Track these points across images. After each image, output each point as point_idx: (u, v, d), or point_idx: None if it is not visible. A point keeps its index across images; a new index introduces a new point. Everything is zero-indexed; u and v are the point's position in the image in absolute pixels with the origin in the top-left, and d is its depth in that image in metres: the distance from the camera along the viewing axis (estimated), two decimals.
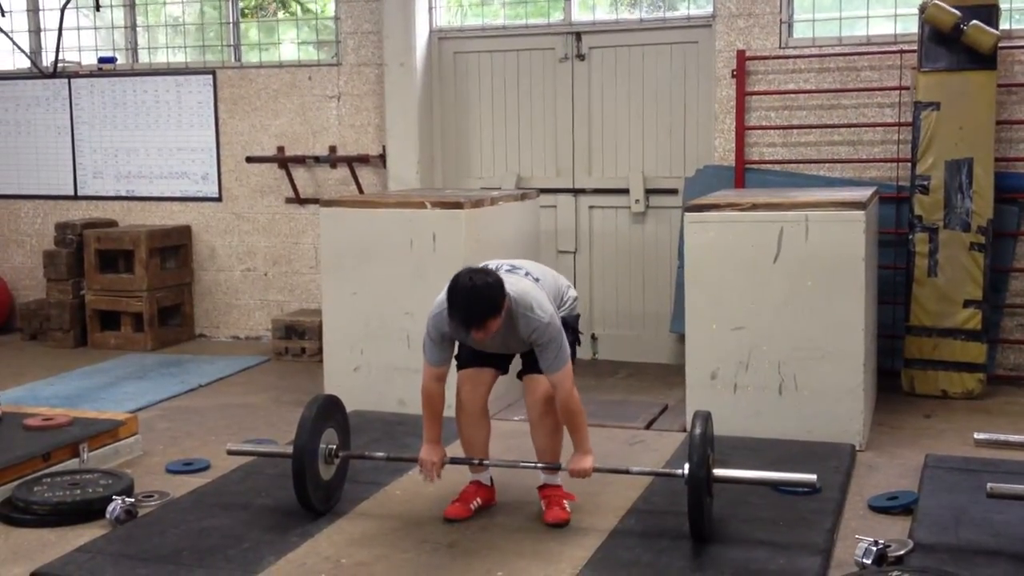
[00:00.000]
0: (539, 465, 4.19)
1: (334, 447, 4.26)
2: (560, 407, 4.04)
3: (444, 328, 4.00)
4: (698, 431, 3.80)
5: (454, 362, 4.22)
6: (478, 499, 4.25)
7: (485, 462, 4.23)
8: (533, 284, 4.07)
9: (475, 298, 3.78)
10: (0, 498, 4.37)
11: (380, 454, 4.42)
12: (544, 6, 7.16)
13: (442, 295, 3.94)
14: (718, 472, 3.89)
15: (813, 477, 3.92)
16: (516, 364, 4.32)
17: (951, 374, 5.91)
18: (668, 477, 4.18)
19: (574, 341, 4.25)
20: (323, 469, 4.21)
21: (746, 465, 4.67)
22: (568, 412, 4.04)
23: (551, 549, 3.90)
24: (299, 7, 8.18)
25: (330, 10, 7.73)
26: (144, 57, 8.20)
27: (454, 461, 4.22)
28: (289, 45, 7.86)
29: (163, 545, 3.93)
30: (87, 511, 4.23)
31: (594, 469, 4.08)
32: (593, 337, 7.12)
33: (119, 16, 8.20)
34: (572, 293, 4.36)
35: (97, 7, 8.03)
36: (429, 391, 4.13)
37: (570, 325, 4.22)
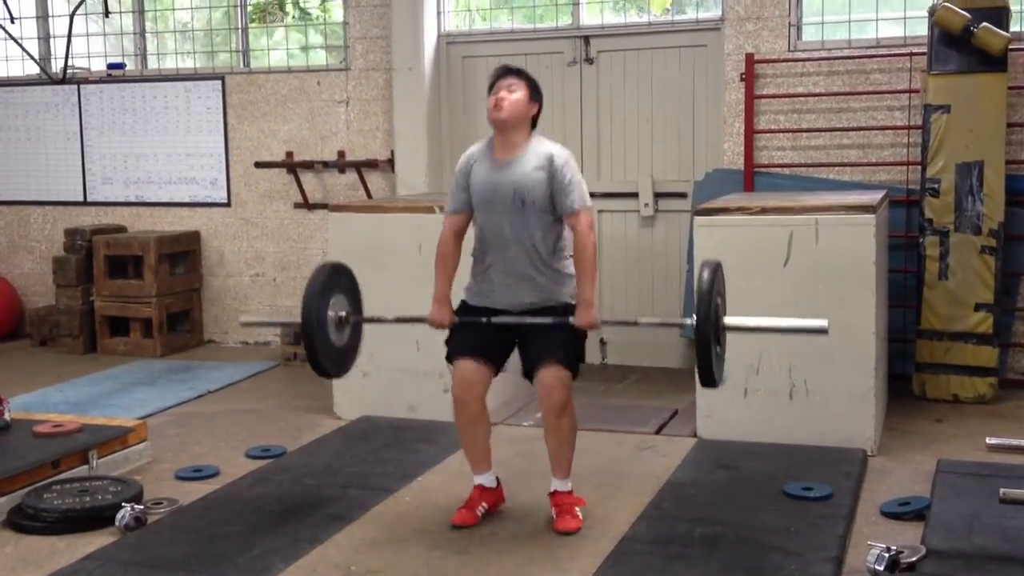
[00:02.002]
0: (547, 321, 4.09)
1: (344, 313, 4.19)
2: (577, 246, 4.05)
3: (471, 162, 4.14)
4: (706, 276, 3.70)
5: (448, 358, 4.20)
6: (484, 504, 4.23)
7: (494, 320, 4.12)
8: None
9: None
10: (10, 505, 4.37)
11: (390, 317, 4.38)
12: (552, 10, 7.15)
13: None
14: (728, 320, 3.81)
15: (824, 323, 3.80)
16: (505, 385, 4.29)
17: (963, 378, 5.88)
18: (677, 327, 4.03)
19: (582, 345, 4.21)
20: (334, 335, 4.14)
21: (758, 472, 4.69)
22: (583, 251, 4.04)
23: (561, 556, 3.89)
24: (298, 10, 8.16)
25: (338, 15, 7.73)
26: (153, 63, 8.22)
27: (463, 320, 4.16)
28: (297, 50, 7.86)
29: (172, 552, 3.93)
30: (96, 518, 4.22)
31: (602, 322, 4.07)
32: (602, 342, 7.11)
33: (128, 22, 8.22)
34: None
35: (106, 13, 8.04)
36: (445, 246, 4.20)
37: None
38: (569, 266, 4.19)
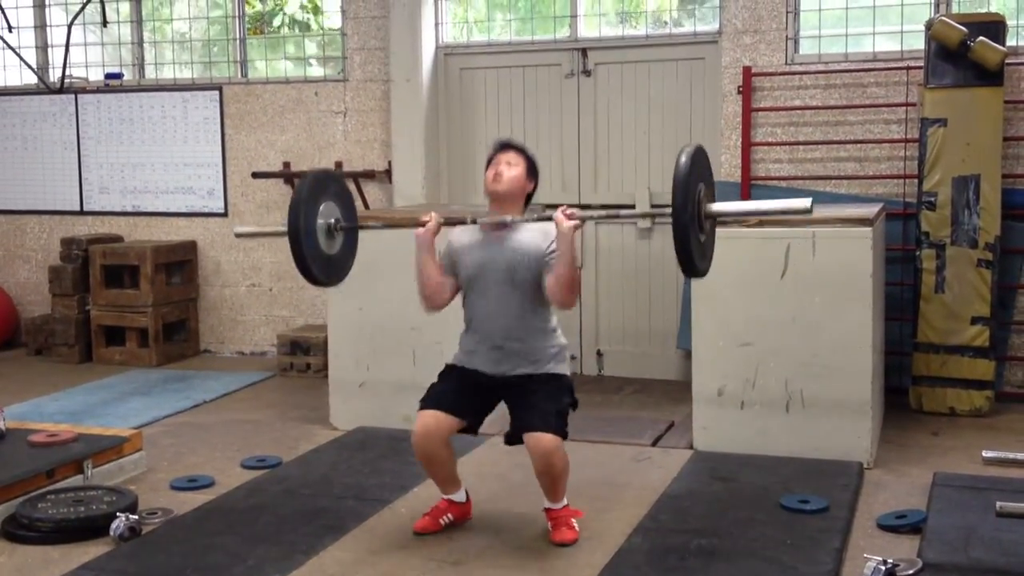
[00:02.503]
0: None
1: (334, 220, 4.13)
2: (555, 283, 3.96)
3: (455, 242, 4.17)
4: (683, 161, 3.54)
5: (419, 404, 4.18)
6: (449, 515, 4.23)
7: (478, 220, 4.12)
8: None
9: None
10: (4, 515, 4.35)
11: (378, 224, 4.33)
12: (550, 22, 7.16)
13: None
14: (712, 207, 3.69)
15: (807, 202, 3.71)
16: (499, 421, 4.27)
17: (959, 391, 5.88)
18: (661, 216, 3.91)
19: (571, 404, 4.16)
20: (325, 243, 4.10)
21: (754, 484, 4.69)
22: (564, 287, 3.96)
23: (557, 568, 3.88)
24: (291, 21, 8.19)
25: (336, 25, 7.74)
26: (151, 73, 8.22)
27: (449, 222, 4.16)
28: (295, 61, 7.87)
29: (167, 563, 3.92)
30: (91, 528, 4.20)
31: (583, 218, 3.97)
32: (599, 353, 7.11)
33: (126, 32, 8.23)
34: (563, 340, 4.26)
35: (104, 23, 8.05)
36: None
37: (567, 385, 4.16)
38: (556, 340, 4.18)
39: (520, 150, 4.19)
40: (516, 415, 4.10)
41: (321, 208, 4.09)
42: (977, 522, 4.07)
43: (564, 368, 4.18)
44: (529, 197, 4.20)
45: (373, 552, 4.04)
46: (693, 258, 3.59)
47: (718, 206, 3.75)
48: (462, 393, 4.14)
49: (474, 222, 4.13)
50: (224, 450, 5.48)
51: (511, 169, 4.10)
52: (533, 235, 4.05)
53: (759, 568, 3.79)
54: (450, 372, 4.25)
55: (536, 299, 4.07)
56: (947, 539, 3.94)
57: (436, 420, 4.08)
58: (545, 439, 3.95)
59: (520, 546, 4.08)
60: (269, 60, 7.90)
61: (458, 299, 4.24)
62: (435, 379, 4.26)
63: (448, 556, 3.98)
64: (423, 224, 4.15)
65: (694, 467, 4.99)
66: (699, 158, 3.63)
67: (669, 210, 3.55)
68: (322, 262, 4.10)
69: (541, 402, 4.02)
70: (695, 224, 3.59)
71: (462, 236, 4.20)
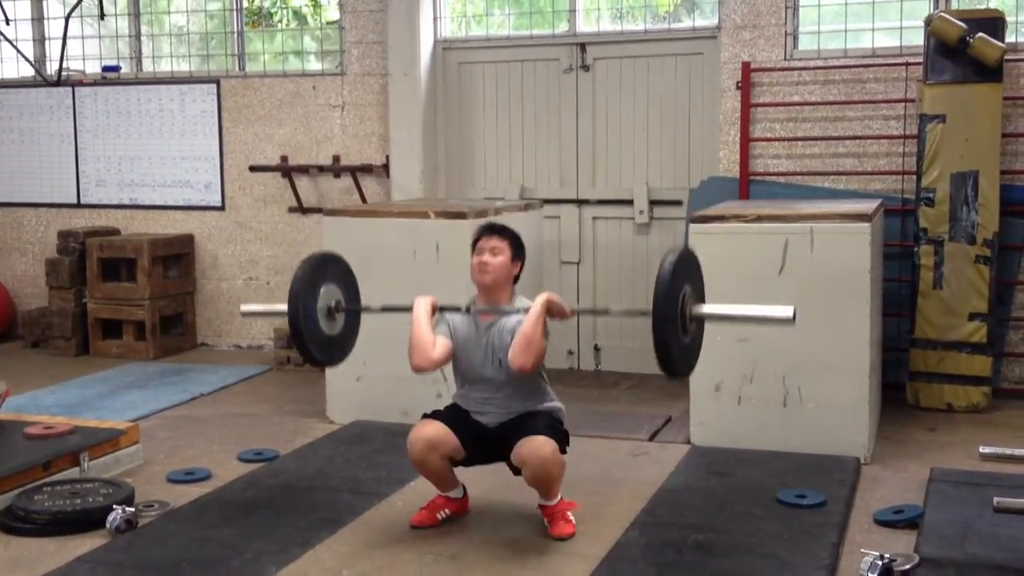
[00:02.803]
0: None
1: (335, 302, 4.20)
2: (515, 340, 3.97)
3: (449, 316, 4.14)
4: (665, 267, 3.60)
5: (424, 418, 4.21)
6: (446, 510, 4.24)
7: (473, 308, 4.13)
8: None
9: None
10: (0, 507, 4.35)
11: (376, 307, 4.36)
12: (549, 17, 7.15)
13: None
14: (696, 309, 3.74)
15: (789, 311, 3.76)
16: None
17: (956, 387, 5.88)
18: (644, 315, 3.84)
19: (565, 435, 4.17)
20: (325, 324, 4.16)
21: (751, 479, 4.69)
22: (520, 343, 3.95)
23: (554, 562, 3.88)
24: (291, 14, 8.18)
25: (334, 19, 7.72)
26: (148, 66, 8.21)
27: (442, 308, 4.16)
28: (293, 54, 7.86)
29: (163, 555, 3.91)
30: (87, 520, 4.20)
31: (568, 309, 4.05)
32: (596, 348, 7.11)
33: (123, 25, 8.21)
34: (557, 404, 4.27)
35: (101, 16, 8.04)
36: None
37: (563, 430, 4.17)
38: (548, 397, 4.21)
39: (503, 232, 4.18)
40: (512, 439, 4.05)
41: (322, 290, 4.19)
42: (974, 517, 4.07)
43: (556, 416, 4.20)
44: (517, 278, 4.22)
45: (369, 545, 4.03)
46: (671, 357, 3.65)
47: (703, 308, 3.82)
48: (465, 427, 4.14)
49: (468, 311, 4.16)
50: (221, 443, 5.48)
51: (496, 257, 4.11)
52: (521, 320, 4.04)
53: (756, 563, 3.79)
54: (454, 407, 4.26)
55: (525, 379, 4.08)
56: (944, 534, 3.94)
57: (437, 430, 4.09)
58: (544, 446, 3.94)
59: (517, 539, 4.08)
60: (267, 54, 7.89)
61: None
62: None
63: (445, 549, 3.98)
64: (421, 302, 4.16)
65: (691, 462, 4.99)
66: (682, 261, 3.71)
67: (651, 308, 3.63)
68: (322, 343, 4.18)
69: (538, 424, 4.06)
70: (681, 325, 3.65)
71: (455, 316, 4.19)
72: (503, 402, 4.14)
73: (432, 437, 4.07)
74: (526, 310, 4.02)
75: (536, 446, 3.95)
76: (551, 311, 4.01)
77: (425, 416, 4.19)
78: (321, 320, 4.17)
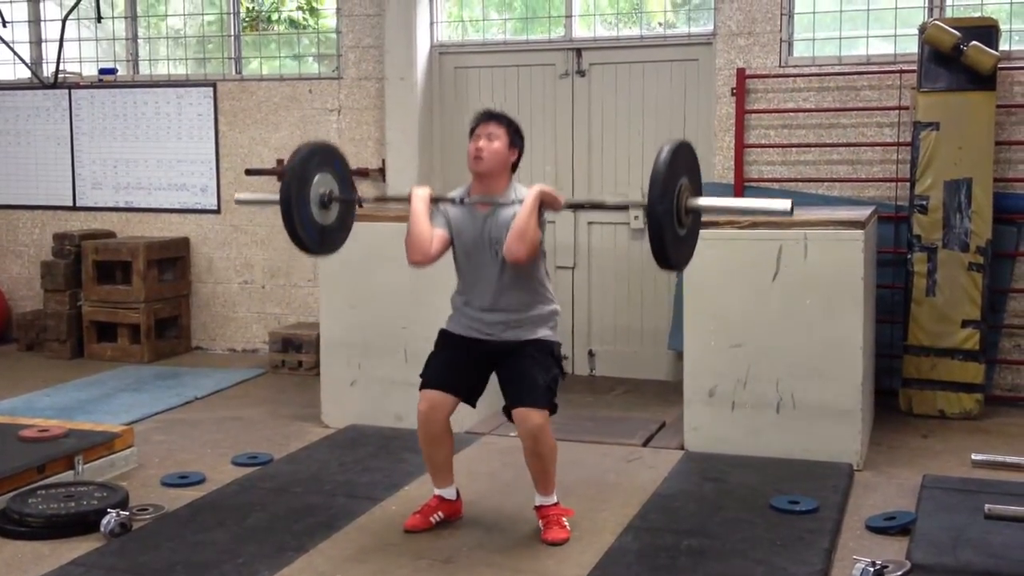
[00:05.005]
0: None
1: (328, 191, 4.13)
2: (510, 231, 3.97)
3: (446, 209, 4.11)
4: (662, 157, 3.55)
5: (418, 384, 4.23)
6: (439, 513, 4.25)
7: (467, 200, 4.11)
8: None
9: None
10: None
11: (368, 197, 4.33)
12: (545, 22, 7.17)
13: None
14: (692, 201, 3.68)
15: (787, 204, 3.70)
16: (493, 398, 4.30)
17: (949, 394, 5.90)
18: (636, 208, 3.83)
19: (559, 374, 4.19)
20: (318, 213, 4.09)
21: (744, 485, 4.70)
22: (515, 233, 3.95)
23: (548, 567, 3.89)
24: (286, 21, 8.19)
25: (331, 24, 7.74)
26: (145, 69, 8.21)
27: (436, 199, 4.12)
28: (290, 58, 7.87)
29: (157, 559, 3.92)
30: (81, 524, 4.20)
31: (561, 200, 4.02)
32: (591, 353, 7.12)
33: (120, 28, 8.22)
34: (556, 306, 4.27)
35: (98, 18, 8.04)
36: None
37: (555, 355, 4.18)
38: (548, 307, 4.18)
39: (500, 119, 4.16)
40: (507, 390, 4.12)
41: (317, 178, 4.09)
42: (966, 524, 4.08)
43: (554, 334, 4.17)
44: (515, 166, 4.18)
45: (364, 550, 4.04)
46: (667, 248, 3.60)
47: (700, 201, 3.75)
48: (457, 370, 4.15)
49: (462, 202, 4.13)
50: (215, 447, 5.48)
51: (492, 143, 4.08)
52: (514, 209, 4.02)
53: (748, 568, 3.80)
54: (444, 343, 4.24)
55: (524, 270, 4.05)
56: (936, 541, 3.95)
57: (442, 397, 4.12)
58: (533, 417, 4.00)
59: (511, 545, 4.09)
60: (263, 57, 7.89)
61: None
62: (432, 348, 4.28)
63: (438, 554, 3.99)
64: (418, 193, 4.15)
65: (685, 467, 5.00)
66: (680, 152, 3.64)
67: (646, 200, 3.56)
68: (314, 230, 4.09)
69: (530, 375, 4.04)
70: (672, 217, 3.59)
71: (451, 208, 4.18)
72: (500, 299, 4.07)
73: (435, 406, 4.12)
74: (521, 201, 4.00)
75: (527, 419, 4.00)
76: (545, 202, 3.99)
77: (423, 380, 4.18)
78: (314, 208, 4.07)
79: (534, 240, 3.94)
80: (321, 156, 4.17)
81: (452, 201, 4.14)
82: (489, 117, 4.16)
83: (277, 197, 4.06)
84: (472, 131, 4.16)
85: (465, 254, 4.15)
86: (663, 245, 3.58)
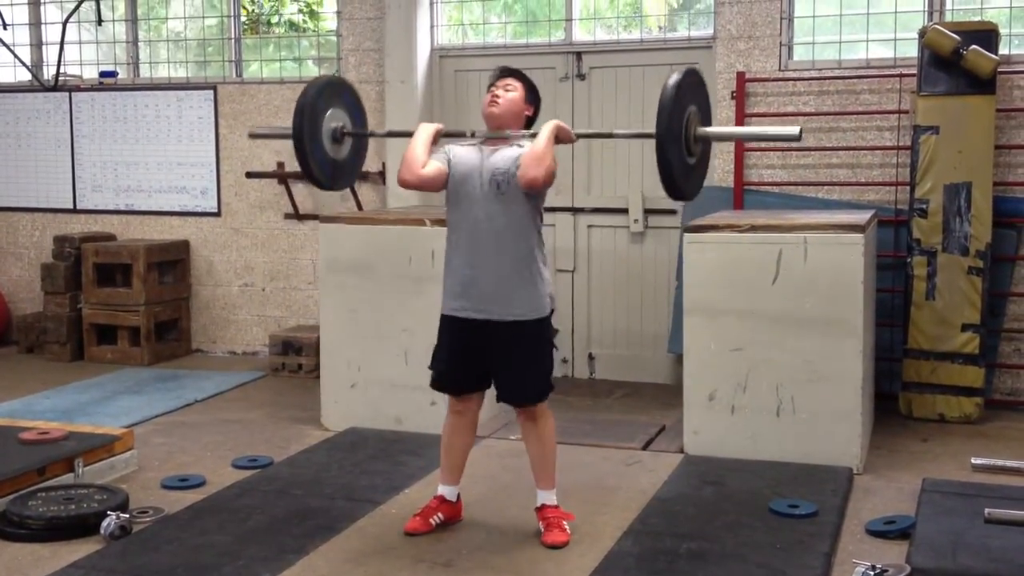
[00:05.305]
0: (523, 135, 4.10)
1: (340, 125, 4.14)
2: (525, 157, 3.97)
3: (453, 148, 4.14)
4: (670, 84, 3.54)
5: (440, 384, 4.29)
6: (439, 515, 4.25)
7: (478, 133, 4.14)
8: None
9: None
10: None
11: (381, 132, 4.36)
12: (545, 26, 7.18)
13: None
14: (703, 130, 3.66)
15: (796, 129, 3.70)
16: (493, 399, 4.34)
17: (949, 398, 5.90)
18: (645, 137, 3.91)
19: (552, 349, 4.23)
20: (331, 147, 4.11)
21: (744, 489, 4.70)
22: (531, 158, 3.95)
23: (547, 570, 3.89)
24: (286, 24, 8.20)
25: (331, 27, 7.75)
26: (145, 72, 8.22)
27: (449, 135, 4.17)
28: (290, 61, 7.87)
29: (158, 562, 3.92)
30: (81, 526, 4.20)
31: (574, 132, 4.06)
32: (591, 356, 7.12)
33: (121, 30, 8.22)
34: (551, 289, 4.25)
35: (99, 21, 8.05)
36: None
37: (548, 336, 4.19)
38: (543, 272, 4.12)
39: (518, 74, 4.20)
40: (502, 384, 4.15)
41: (329, 112, 4.12)
42: (965, 528, 4.08)
43: (546, 308, 4.11)
44: (530, 122, 4.19)
45: (364, 553, 4.04)
46: (675, 177, 3.60)
47: (710, 129, 3.76)
48: (466, 365, 4.15)
49: (473, 135, 4.16)
50: (215, 449, 5.48)
51: (508, 92, 4.12)
52: (525, 148, 4.03)
53: (748, 572, 3.80)
54: (444, 333, 4.21)
55: (523, 217, 4.02)
56: (935, 545, 3.95)
57: (462, 406, 4.22)
58: (531, 411, 4.12)
59: (510, 547, 4.09)
60: (264, 60, 7.90)
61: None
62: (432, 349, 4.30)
63: (438, 557, 3.99)
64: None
65: (684, 471, 5.00)
66: (688, 80, 3.63)
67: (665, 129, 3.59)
68: (326, 164, 4.13)
69: (525, 366, 4.08)
70: (680, 143, 3.59)
71: (459, 147, 4.18)
72: (493, 250, 4.00)
73: (463, 417, 4.24)
74: (533, 135, 4.02)
75: (526, 414, 4.13)
76: (559, 136, 4.01)
77: (438, 383, 4.24)
78: (326, 142, 4.09)
79: (551, 168, 3.94)
80: (332, 90, 4.20)
81: (463, 135, 4.18)
82: (507, 72, 4.20)
83: (286, 130, 4.10)
84: (490, 87, 4.19)
85: (466, 191, 4.05)
86: (672, 174, 3.56)
